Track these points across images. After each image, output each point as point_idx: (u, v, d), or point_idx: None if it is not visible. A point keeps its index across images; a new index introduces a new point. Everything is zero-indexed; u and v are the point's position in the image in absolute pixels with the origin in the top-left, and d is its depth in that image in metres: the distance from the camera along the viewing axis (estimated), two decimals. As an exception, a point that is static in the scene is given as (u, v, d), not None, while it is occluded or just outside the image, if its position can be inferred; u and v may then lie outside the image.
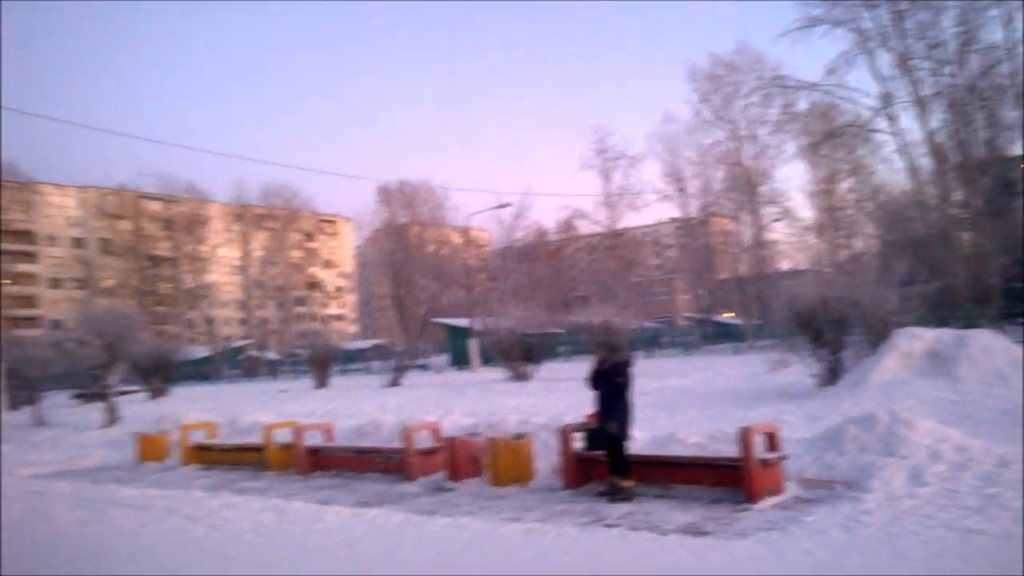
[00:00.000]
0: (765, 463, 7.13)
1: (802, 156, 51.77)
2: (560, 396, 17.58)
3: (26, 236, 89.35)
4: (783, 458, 7.38)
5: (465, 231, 74.35)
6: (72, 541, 7.34)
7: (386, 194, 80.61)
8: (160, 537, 7.28)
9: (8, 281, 78.14)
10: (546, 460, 8.71)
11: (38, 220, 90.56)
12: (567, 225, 73.62)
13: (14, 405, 24.39)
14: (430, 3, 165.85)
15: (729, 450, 7.48)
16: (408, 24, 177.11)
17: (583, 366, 9.68)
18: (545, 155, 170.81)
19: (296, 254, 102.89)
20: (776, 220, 55.82)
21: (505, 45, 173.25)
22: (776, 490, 7.12)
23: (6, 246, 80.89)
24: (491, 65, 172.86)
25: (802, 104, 45.09)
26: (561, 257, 73.30)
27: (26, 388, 24.37)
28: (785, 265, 60.47)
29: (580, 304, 42.84)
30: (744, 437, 7.08)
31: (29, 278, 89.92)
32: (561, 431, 8.43)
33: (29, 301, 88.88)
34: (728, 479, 7.24)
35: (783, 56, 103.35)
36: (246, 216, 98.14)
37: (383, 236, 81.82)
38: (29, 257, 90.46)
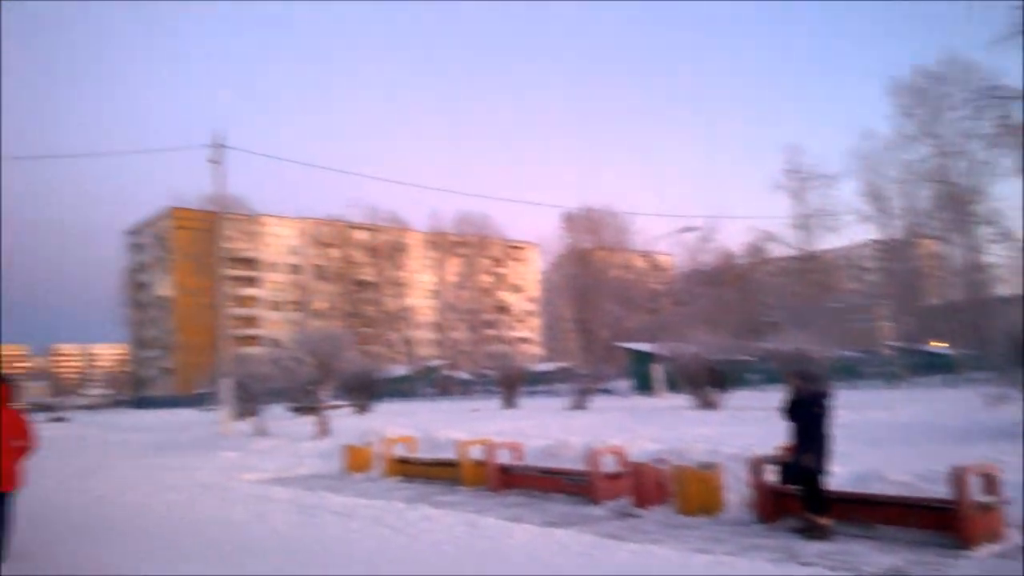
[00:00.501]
0: (983, 507, 6.57)
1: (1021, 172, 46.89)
2: (750, 426, 16.99)
3: (251, 263, 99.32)
4: (1004, 502, 6.76)
5: (649, 255, 73.68)
6: (287, 543, 8.09)
7: (570, 220, 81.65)
8: (365, 544, 7.86)
9: (236, 304, 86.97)
10: (736, 492, 8.50)
11: (261, 249, 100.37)
12: (756, 248, 70.97)
13: (240, 416, 27.05)
14: (614, 28, 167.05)
15: (939, 491, 6.95)
16: (593, 50, 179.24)
17: (774, 395, 9.37)
18: (732, 177, 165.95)
19: (486, 279, 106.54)
20: (993, 242, 50.81)
21: (693, 65, 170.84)
22: (995, 537, 6.53)
23: (235, 272, 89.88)
24: (678, 87, 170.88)
25: (1019, 115, 40.89)
26: (750, 281, 70.65)
27: (250, 401, 27.00)
28: (1004, 290, 54.77)
29: (771, 330, 41.09)
30: (958, 477, 6.57)
31: (252, 301, 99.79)
32: (752, 462, 8.20)
33: (252, 322, 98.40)
34: (938, 522, 6.73)
35: (997, 64, 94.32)
36: (441, 243, 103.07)
37: (567, 261, 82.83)
38: (253, 282, 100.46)
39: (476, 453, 11.95)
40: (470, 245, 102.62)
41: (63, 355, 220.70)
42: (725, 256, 69.44)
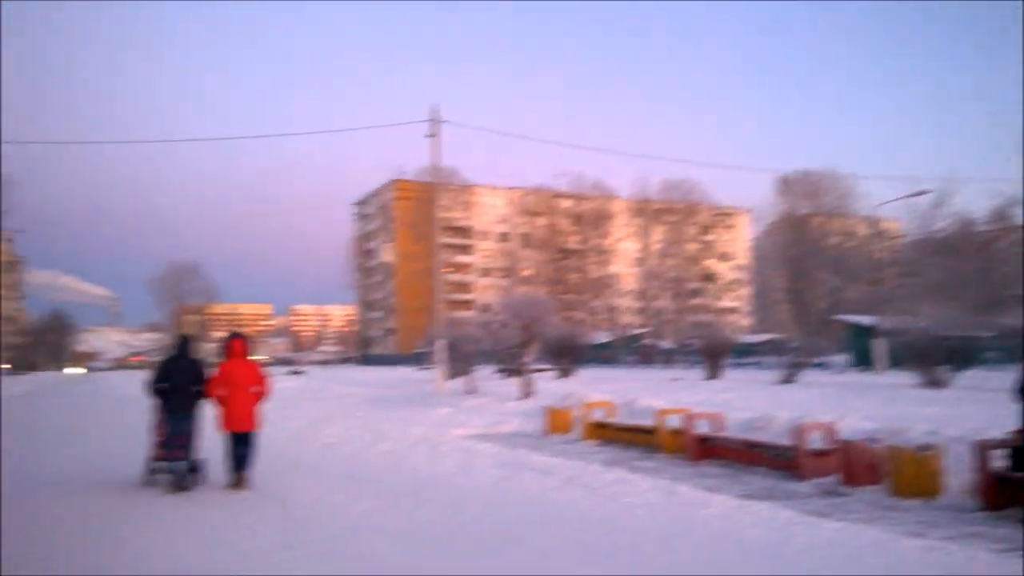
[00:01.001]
0: None
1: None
2: (979, 407, 15.43)
3: (464, 232, 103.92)
4: None
5: (873, 221, 68.27)
6: (488, 495, 8.54)
7: (786, 184, 77.50)
8: (560, 501, 8.13)
9: (450, 270, 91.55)
10: (957, 477, 7.84)
11: (474, 218, 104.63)
12: (1000, 214, 63.50)
13: (452, 375, 28.66)
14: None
15: None
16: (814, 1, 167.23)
17: (1010, 376, 8.47)
18: (973, 136, 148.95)
19: (692, 247, 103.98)
20: None
21: (924, 14, 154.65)
22: None
23: (450, 240, 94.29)
24: (907, 38, 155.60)
25: None
26: (991, 251, 63.50)
27: (461, 361, 28.53)
28: None
29: (1015, 305, 36.77)
30: None
31: (465, 267, 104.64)
32: (978, 446, 7.51)
33: (465, 287, 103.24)
34: None
35: None
36: (646, 210, 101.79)
37: (781, 227, 78.88)
38: (466, 250, 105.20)
39: (675, 422, 11.88)
40: (676, 212, 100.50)
41: (301, 315, 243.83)
42: (962, 223, 62.86)
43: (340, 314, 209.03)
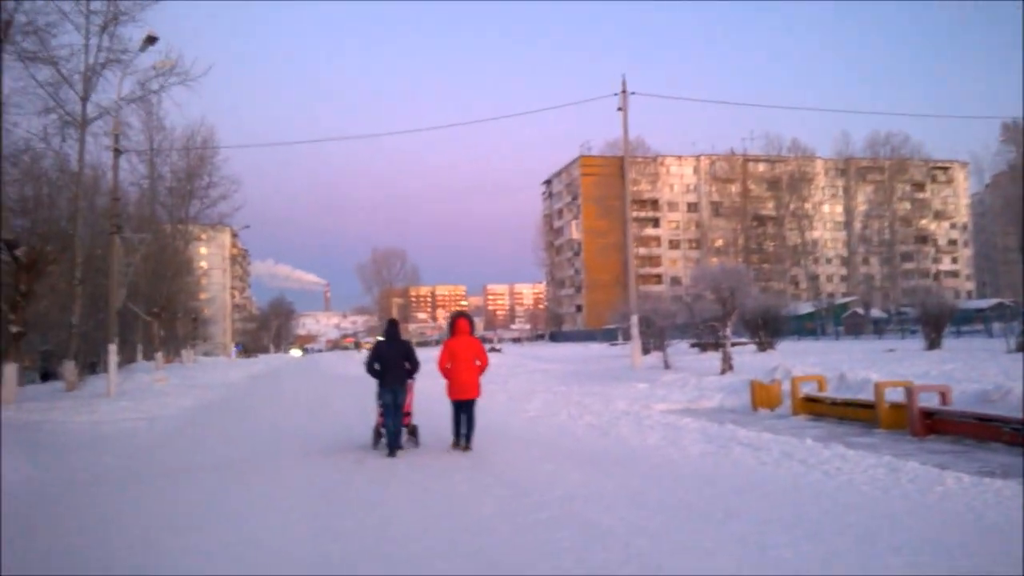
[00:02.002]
0: None
1: None
2: None
3: (652, 204, 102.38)
4: None
5: None
6: (701, 468, 8.50)
7: (1012, 131, 69.54)
8: (777, 476, 7.95)
9: (635, 244, 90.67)
10: None
11: (661, 189, 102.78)
12: None
13: (646, 350, 28.53)
14: None
15: None
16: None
17: None
18: None
19: (903, 206, 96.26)
20: None
21: None
22: None
23: (637, 213, 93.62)
24: None
25: None
26: None
27: (655, 336, 28.31)
28: None
29: None
30: None
31: (654, 240, 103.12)
32: None
33: (653, 260, 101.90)
34: None
35: None
36: (849, 169, 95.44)
37: (1008, 179, 70.95)
38: (654, 222, 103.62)
39: (894, 395, 11.19)
40: (884, 169, 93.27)
41: (494, 294, 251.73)
42: None
43: (531, 292, 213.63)
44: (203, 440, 12.88)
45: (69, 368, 24.53)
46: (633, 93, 27.51)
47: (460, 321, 10.57)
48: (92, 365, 33.79)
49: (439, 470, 8.77)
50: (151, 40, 22.75)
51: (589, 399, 16.83)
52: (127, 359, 37.19)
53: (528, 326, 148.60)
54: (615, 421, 12.79)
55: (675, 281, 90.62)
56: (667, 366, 24.34)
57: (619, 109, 27.60)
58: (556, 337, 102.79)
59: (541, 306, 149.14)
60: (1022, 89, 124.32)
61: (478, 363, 10.31)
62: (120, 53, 24.90)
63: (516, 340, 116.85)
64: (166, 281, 43.82)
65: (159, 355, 39.39)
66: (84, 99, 24.55)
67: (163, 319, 43.16)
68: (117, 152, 24.12)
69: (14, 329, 20.11)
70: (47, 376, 33.42)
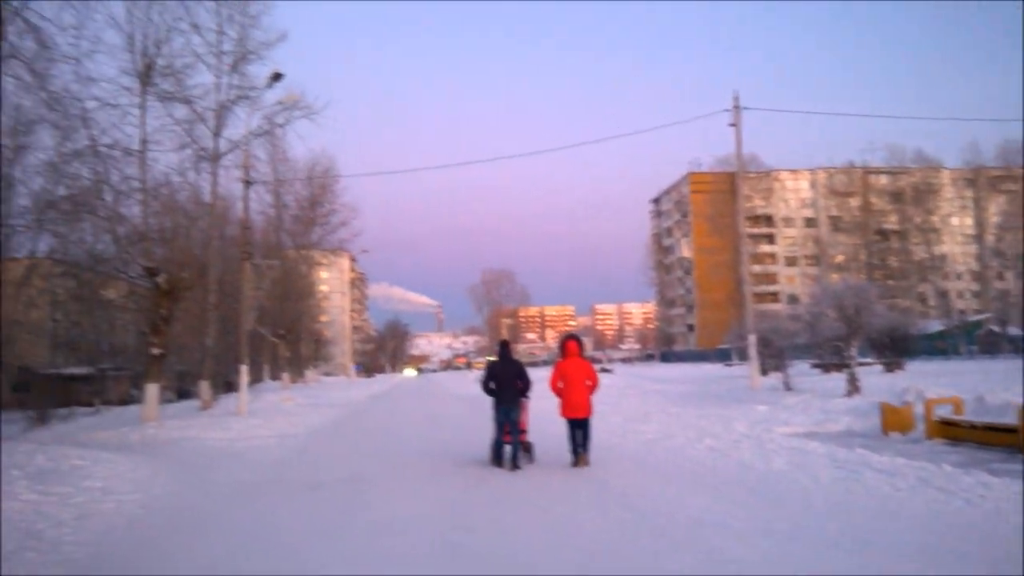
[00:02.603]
0: None
1: None
2: None
3: (766, 220, 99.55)
4: None
5: None
6: (832, 495, 8.18)
7: None
8: (913, 503, 7.57)
9: (749, 261, 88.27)
10: None
11: (776, 204, 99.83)
12: None
13: (764, 371, 27.65)
14: None
15: None
16: None
17: None
18: None
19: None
20: None
21: None
22: None
23: (751, 230, 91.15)
24: None
25: None
26: None
27: (773, 356, 27.43)
28: None
29: None
30: None
31: (769, 257, 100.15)
32: None
33: (769, 278, 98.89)
34: None
35: None
36: (979, 180, 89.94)
37: None
38: (769, 239, 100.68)
39: (1043, 420, 10.45)
40: (1018, 179, 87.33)
41: (602, 314, 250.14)
42: None
43: (640, 312, 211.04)
44: (329, 457, 13.40)
45: (204, 388, 26.03)
46: (745, 108, 26.98)
47: (570, 343, 11.05)
48: (228, 384, 35.68)
49: (559, 492, 8.82)
50: (277, 77, 24.07)
51: (707, 421, 16.48)
52: (255, 379, 39.09)
53: (638, 346, 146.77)
54: (736, 444, 12.48)
55: (792, 299, 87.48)
56: (788, 387, 23.52)
57: (731, 125, 27.10)
58: (667, 357, 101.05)
59: (651, 326, 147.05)
60: None
61: (588, 383, 10.78)
62: (248, 90, 26.42)
63: (626, 360, 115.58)
64: (291, 304, 45.91)
65: (285, 375, 41.22)
66: (216, 135, 26.16)
67: (288, 341, 45.17)
68: (246, 184, 25.58)
69: (155, 351, 21.53)
70: (183, 395, 35.58)
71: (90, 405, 38.35)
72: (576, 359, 10.84)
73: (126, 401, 40.35)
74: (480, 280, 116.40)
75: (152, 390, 20.90)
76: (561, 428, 11.16)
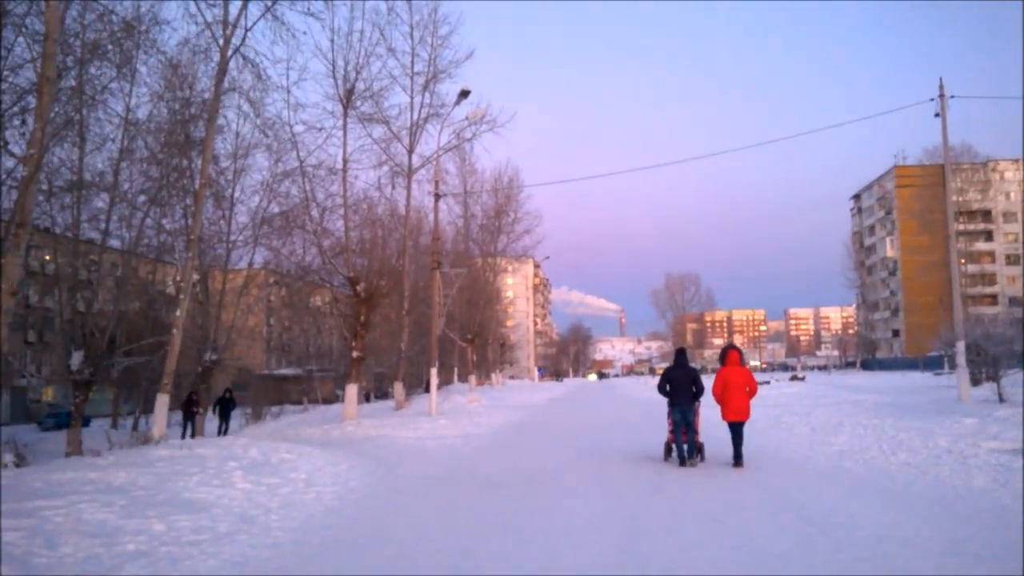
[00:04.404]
0: None
1: None
2: None
3: (983, 216, 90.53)
4: None
5: None
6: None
7: None
8: None
9: (963, 260, 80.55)
10: None
11: (994, 198, 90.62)
12: None
13: (976, 381, 25.28)
14: None
15: None
16: None
17: None
18: None
19: None
20: None
21: None
22: None
23: (964, 227, 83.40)
24: None
25: None
26: None
27: (987, 364, 25.01)
28: None
29: None
30: None
31: (986, 256, 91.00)
32: None
33: (987, 278, 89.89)
34: None
35: None
36: None
37: None
38: (986, 236, 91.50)
39: None
40: None
41: (796, 318, 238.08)
42: None
43: (839, 316, 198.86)
44: (511, 456, 13.92)
45: (398, 389, 27.72)
46: (952, 97, 24.87)
47: (731, 352, 12.08)
48: (424, 385, 37.75)
49: (735, 501, 8.68)
50: (464, 94, 25.22)
51: (905, 434, 15.37)
52: (445, 381, 40.99)
53: (836, 353, 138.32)
54: (935, 460, 11.61)
55: (1014, 302, 78.97)
56: (1001, 399, 21.41)
57: (936, 115, 25.08)
58: (869, 365, 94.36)
59: (851, 331, 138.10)
60: None
61: (747, 389, 11.70)
62: (439, 108, 27.90)
63: (822, 368, 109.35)
64: (478, 310, 47.69)
65: (472, 377, 42.91)
66: (410, 151, 27.82)
67: (475, 345, 46.96)
68: (437, 196, 26.97)
69: (355, 354, 23.23)
70: (381, 395, 38.01)
71: (298, 403, 41.99)
72: (736, 367, 11.81)
73: (330, 400, 43.77)
74: (663, 284, 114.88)
75: (352, 390, 22.58)
76: (722, 432, 12.19)
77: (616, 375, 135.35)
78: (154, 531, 6.93)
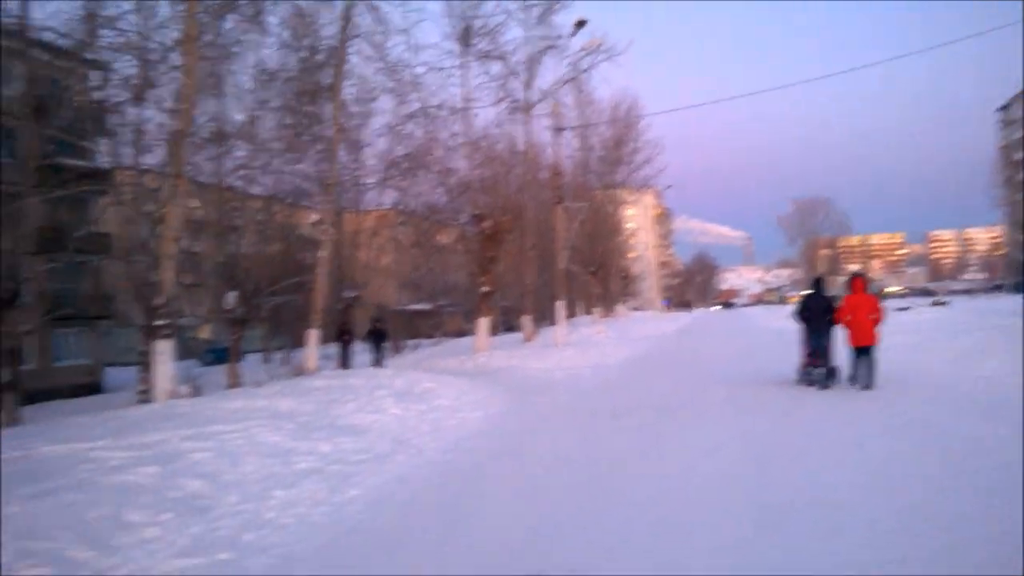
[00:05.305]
0: None
1: None
2: None
3: None
4: None
5: None
6: None
7: None
8: None
9: None
10: None
11: None
12: None
13: None
14: None
15: None
16: None
17: None
18: None
19: None
20: None
21: None
22: None
23: None
24: None
25: None
26: None
27: None
28: None
29: None
30: None
31: None
32: None
33: None
34: None
35: None
36: None
37: None
38: None
39: None
40: None
41: (939, 241, 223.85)
42: None
43: (986, 237, 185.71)
44: (643, 384, 14.23)
45: (526, 321, 28.38)
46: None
47: (857, 280, 12.36)
48: (550, 318, 38.46)
49: (873, 425, 8.62)
50: (580, 24, 24.87)
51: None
52: (570, 314, 41.50)
53: (983, 276, 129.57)
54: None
55: None
56: None
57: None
58: (1022, 288, 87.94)
59: (999, 252, 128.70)
60: None
61: (873, 316, 11.82)
62: (555, 40, 27.61)
63: (968, 292, 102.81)
64: (600, 243, 47.63)
65: (597, 310, 43.22)
66: (527, 86, 27.80)
67: (599, 277, 47.11)
68: (556, 130, 26.97)
69: (483, 289, 23.93)
70: (508, 328, 38.95)
71: (430, 337, 43.65)
72: (862, 295, 12.00)
73: (460, 334, 45.23)
74: (792, 209, 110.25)
75: (483, 324, 23.36)
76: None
77: (744, 305, 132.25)
78: (321, 451, 7.65)
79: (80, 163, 22.59)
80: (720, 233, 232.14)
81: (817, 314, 12.22)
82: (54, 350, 31.26)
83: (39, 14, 17.76)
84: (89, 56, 17.86)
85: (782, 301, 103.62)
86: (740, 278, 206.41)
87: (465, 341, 31.49)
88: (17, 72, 19.86)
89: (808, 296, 12.75)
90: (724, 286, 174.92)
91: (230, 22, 19.09)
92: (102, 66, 18.12)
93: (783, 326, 14.92)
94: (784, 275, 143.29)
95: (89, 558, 4.62)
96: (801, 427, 8.68)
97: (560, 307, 26.08)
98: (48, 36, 17.94)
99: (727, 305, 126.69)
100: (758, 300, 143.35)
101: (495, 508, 5.86)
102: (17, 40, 17.15)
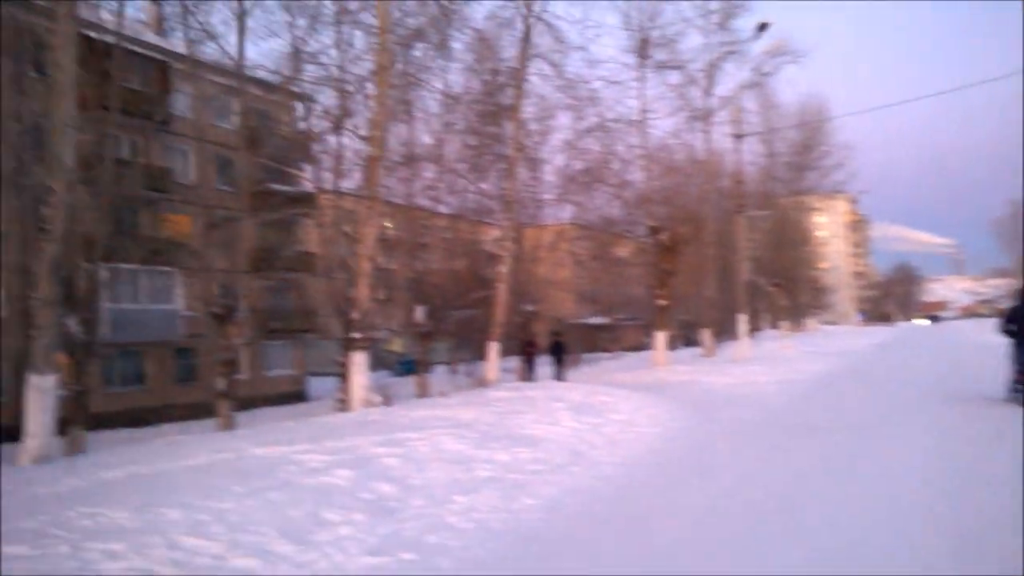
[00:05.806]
0: None
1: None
2: None
3: None
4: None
5: None
6: None
7: None
8: None
9: None
10: None
11: None
12: None
13: None
14: None
15: None
16: None
17: None
18: None
19: None
20: None
21: None
22: None
23: None
24: None
25: None
26: None
27: None
28: None
29: None
30: None
31: None
32: None
33: None
34: None
35: None
36: None
37: None
38: None
39: None
40: None
41: None
42: None
43: None
44: (834, 401, 13.50)
45: (706, 335, 27.69)
46: None
47: None
48: (731, 332, 37.35)
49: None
50: (763, 27, 24.07)
51: None
52: (753, 327, 39.98)
53: None
54: None
55: None
56: None
57: None
58: None
59: None
60: None
61: None
62: (736, 45, 26.90)
63: None
64: (786, 253, 45.59)
65: (783, 324, 41.33)
66: (707, 94, 27.24)
67: (785, 289, 45.07)
68: (738, 137, 26.18)
69: (661, 302, 23.64)
70: (688, 343, 38.15)
71: (608, 351, 43.62)
72: None
73: (638, 348, 44.85)
74: (1008, 212, 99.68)
75: (661, 337, 23.07)
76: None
77: (952, 318, 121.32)
78: (500, 460, 7.90)
79: (287, 188, 24.80)
80: (923, 240, 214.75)
81: None
82: (264, 361, 34.22)
83: (252, 53, 19.80)
84: (294, 89, 19.61)
85: (999, 314, 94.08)
86: (947, 289, 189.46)
87: (643, 355, 31.20)
88: (234, 107, 22.15)
89: (1015, 308, 11.85)
90: (928, 298, 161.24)
91: (418, 50, 20.24)
92: (306, 98, 19.83)
93: (993, 340, 13.89)
94: (998, 285, 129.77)
95: (289, 552, 5.07)
96: (1010, 453, 7.90)
97: (742, 320, 25.20)
98: (260, 73, 19.92)
99: (933, 319, 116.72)
100: (968, 312, 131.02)
101: (670, 524, 5.81)
102: (235, 78, 19.11)
